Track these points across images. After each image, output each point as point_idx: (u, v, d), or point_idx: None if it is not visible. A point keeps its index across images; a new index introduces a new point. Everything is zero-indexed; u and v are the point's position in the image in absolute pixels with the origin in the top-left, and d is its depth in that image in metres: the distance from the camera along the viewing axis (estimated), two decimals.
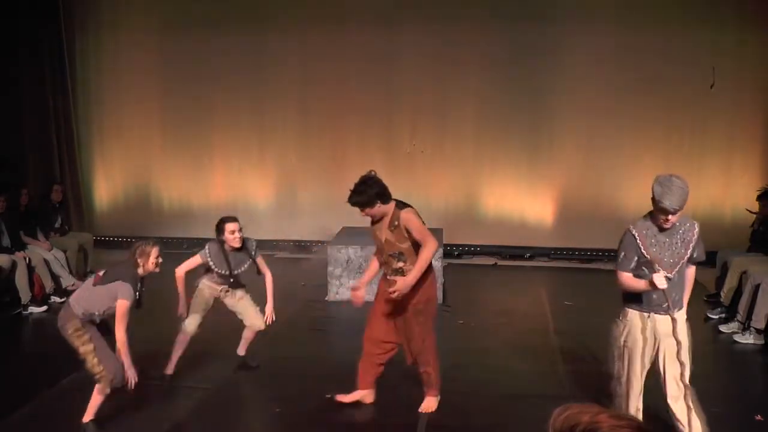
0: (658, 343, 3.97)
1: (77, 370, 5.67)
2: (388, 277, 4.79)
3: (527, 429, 4.38)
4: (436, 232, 8.41)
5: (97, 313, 4.65)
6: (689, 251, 3.95)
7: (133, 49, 10.04)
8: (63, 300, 7.62)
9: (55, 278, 7.74)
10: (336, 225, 9.00)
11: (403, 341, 4.91)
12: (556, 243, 9.65)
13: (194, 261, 5.43)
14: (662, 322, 3.94)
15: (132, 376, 4.56)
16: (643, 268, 3.89)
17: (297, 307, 7.48)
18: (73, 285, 7.89)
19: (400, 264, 4.70)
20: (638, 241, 3.92)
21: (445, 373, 5.56)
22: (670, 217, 3.79)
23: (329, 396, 5.20)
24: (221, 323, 6.60)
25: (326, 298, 7.81)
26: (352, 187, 4.65)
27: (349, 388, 5.11)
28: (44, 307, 7.37)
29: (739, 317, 6.64)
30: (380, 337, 4.94)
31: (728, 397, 5.23)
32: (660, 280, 3.79)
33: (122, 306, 4.53)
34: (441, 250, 7.79)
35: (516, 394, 5.26)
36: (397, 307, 4.80)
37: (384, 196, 4.69)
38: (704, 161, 9.29)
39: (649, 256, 3.88)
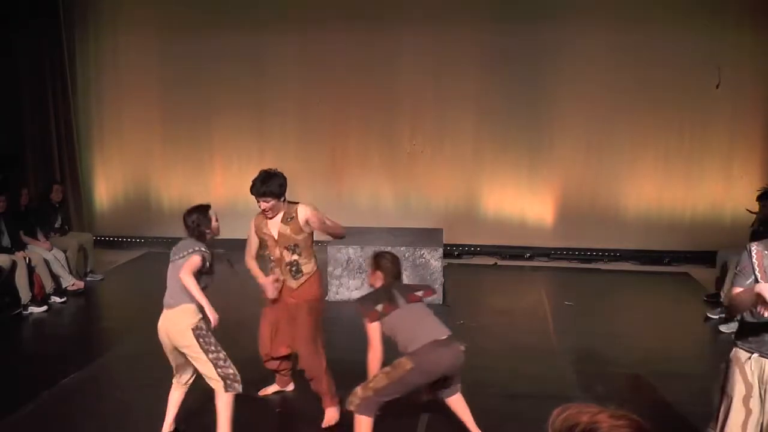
0: (766, 393, 3.33)
1: (77, 370, 5.71)
2: (279, 277, 4.79)
3: (527, 429, 4.38)
4: (436, 232, 8.47)
5: None
6: None
7: (133, 49, 10.04)
8: (64, 300, 7.63)
9: (55, 278, 7.74)
10: None
11: (292, 345, 4.91)
12: (556, 243, 9.65)
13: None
14: None
15: None
16: None
17: None
18: (73, 285, 7.90)
19: (295, 257, 4.73)
20: (754, 258, 3.31)
21: None
22: None
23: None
24: (220, 323, 6.60)
25: (326, 298, 7.80)
26: (258, 177, 4.83)
27: (350, 388, 5.10)
28: (44, 307, 7.36)
29: (739, 317, 6.63)
30: (271, 354, 5.02)
31: None
32: (766, 288, 3.05)
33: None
34: (441, 250, 7.79)
35: (516, 394, 5.26)
36: (291, 311, 4.81)
37: (283, 194, 4.80)
38: (704, 161, 9.29)
39: (762, 280, 3.23)
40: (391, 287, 4.36)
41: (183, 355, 4.35)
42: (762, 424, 3.36)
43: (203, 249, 4.37)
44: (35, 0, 9.44)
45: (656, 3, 9.07)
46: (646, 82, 9.14)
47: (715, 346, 6.49)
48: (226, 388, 4.27)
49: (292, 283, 4.78)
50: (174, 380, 4.54)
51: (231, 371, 4.31)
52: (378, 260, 4.47)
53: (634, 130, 9.33)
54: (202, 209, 4.54)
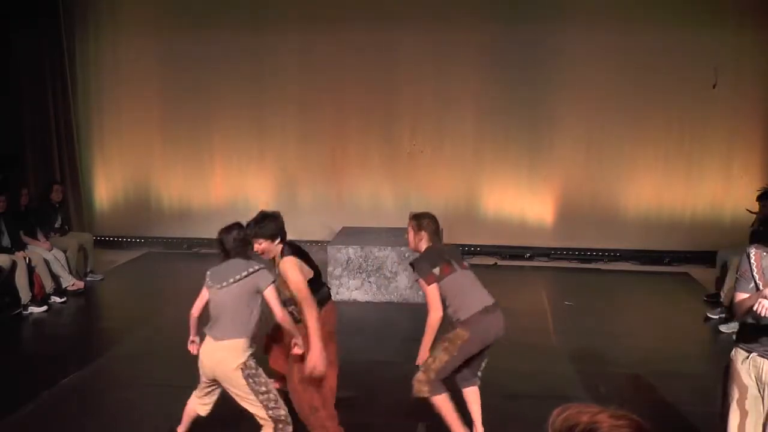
0: (764, 393, 3.33)
1: (77, 370, 5.71)
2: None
3: (527, 429, 4.38)
4: None
5: None
6: None
7: (134, 49, 10.04)
8: (64, 300, 7.63)
9: (55, 278, 7.74)
10: (336, 225, 9.02)
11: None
12: (556, 243, 9.65)
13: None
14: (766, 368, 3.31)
15: None
16: None
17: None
18: (73, 285, 7.90)
19: (291, 308, 4.33)
20: (752, 260, 3.31)
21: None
22: None
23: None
24: None
25: None
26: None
27: (349, 387, 5.11)
28: (44, 307, 7.36)
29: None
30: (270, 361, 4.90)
31: None
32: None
33: None
34: None
35: (516, 394, 5.26)
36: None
37: (277, 236, 4.38)
38: (704, 161, 9.30)
39: (761, 282, 3.24)
40: (443, 251, 4.39)
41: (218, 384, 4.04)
42: (763, 424, 3.35)
43: (265, 266, 3.98)
44: (35, 0, 9.44)
45: (656, 3, 9.07)
46: (646, 82, 9.15)
47: (715, 346, 6.50)
48: (276, 430, 3.95)
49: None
50: (194, 393, 4.23)
51: (282, 412, 3.96)
52: (420, 221, 4.45)
53: (634, 130, 9.33)
54: (240, 225, 4.12)
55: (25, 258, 7.41)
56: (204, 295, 4.08)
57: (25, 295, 7.27)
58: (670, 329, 7.03)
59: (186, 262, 9.64)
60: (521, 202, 9.66)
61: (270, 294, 3.90)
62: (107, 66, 10.14)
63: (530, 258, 9.67)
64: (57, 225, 8.47)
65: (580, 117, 9.42)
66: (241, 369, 3.88)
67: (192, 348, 4.19)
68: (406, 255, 7.65)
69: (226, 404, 4.18)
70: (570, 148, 9.51)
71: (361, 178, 9.86)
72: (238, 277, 3.88)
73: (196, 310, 4.16)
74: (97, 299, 8.23)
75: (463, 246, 9.67)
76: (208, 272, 4.02)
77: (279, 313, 3.95)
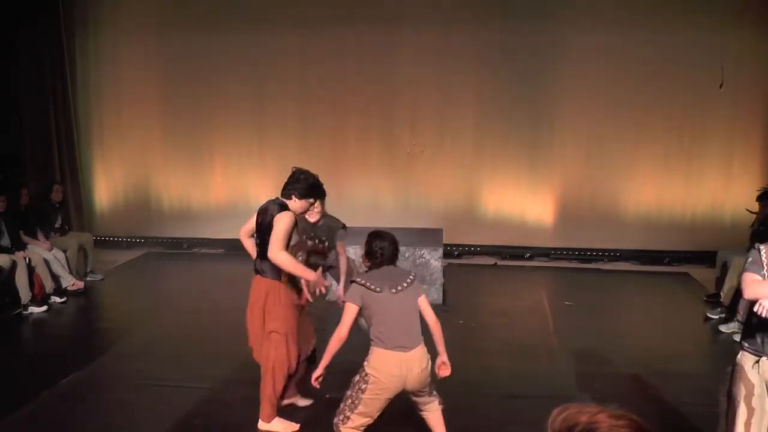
0: None
1: (77, 370, 5.70)
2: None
3: (527, 429, 4.38)
4: (436, 232, 8.46)
5: None
6: None
7: (133, 49, 10.04)
8: (64, 300, 7.63)
9: (55, 278, 7.73)
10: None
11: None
12: (556, 243, 9.65)
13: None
14: None
15: None
16: None
17: None
18: (73, 285, 7.90)
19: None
20: (762, 254, 3.27)
21: None
22: None
23: (329, 396, 5.20)
24: (221, 323, 6.61)
25: (326, 298, 7.78)
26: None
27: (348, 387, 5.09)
28: (44, 307, 7.35)
29: (739, 317, 6.63)
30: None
31: None
32: None
33: None
34: (441, 250, 7.78)
35: (516, 394, 5.26)
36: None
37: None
38: (704, 161, 9.29)
39: None
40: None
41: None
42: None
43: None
44: (35, 0, 9.44)
45: (656, 2, 9.07)
46: (647, 81, 9.14)
47: (715, 346, 6.50)
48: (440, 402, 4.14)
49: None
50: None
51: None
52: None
53: (634, 129, 9.33)
54: (392, 235, 4.25)
55: (25, 258, 7.41)
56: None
57: (25, 295, 7.27)
58: (670, 329, 7.03)
59: (186, 262, 9.66)
60: (521, 202, 9.66)
61: (425, 301, 3.94)
62: (107, 66, 10.14)
63: (530, 258, 9.66)
64: (57, 225, 8.46)
65: (580, 116, 9.42)
66: (430, 366, 3.90)
67: None
68: (406, 255, 7.64)
69: None
70: (570, 147, 9.51)
71: (361, 178, 9.85)
72: (407, 283, 3.88)
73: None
74: (97, 299, 8.23)
75: (463, 246, 9.72)
76: (360, 280, 3.96)
77: (433, 317, 3.92)
